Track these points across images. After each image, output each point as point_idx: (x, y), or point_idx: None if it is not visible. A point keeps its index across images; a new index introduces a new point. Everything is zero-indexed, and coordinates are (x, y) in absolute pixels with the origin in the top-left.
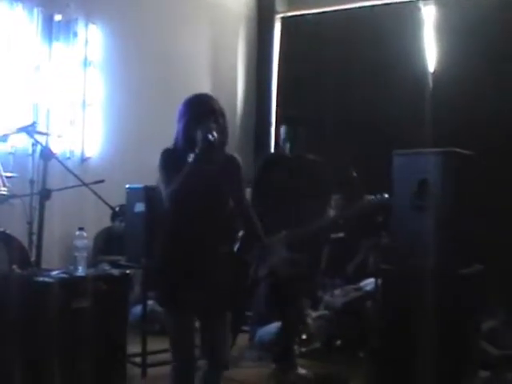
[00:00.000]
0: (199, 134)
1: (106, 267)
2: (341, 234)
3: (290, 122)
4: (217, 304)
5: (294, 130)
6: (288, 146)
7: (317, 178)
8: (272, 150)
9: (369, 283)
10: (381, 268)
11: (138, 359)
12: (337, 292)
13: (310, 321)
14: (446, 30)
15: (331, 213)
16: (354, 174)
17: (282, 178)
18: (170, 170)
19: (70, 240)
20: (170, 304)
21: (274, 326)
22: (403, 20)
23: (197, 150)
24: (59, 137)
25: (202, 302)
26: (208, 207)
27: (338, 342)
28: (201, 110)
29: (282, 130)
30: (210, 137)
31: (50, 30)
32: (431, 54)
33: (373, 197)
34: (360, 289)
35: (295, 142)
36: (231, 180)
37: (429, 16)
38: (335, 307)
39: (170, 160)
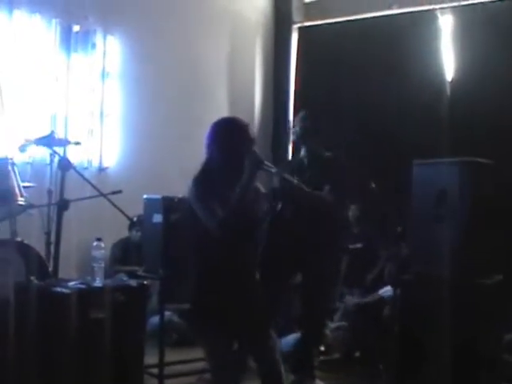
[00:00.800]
0: (249, 162)
1: (124, 278)
2: (359, 245)
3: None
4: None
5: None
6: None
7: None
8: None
9: (386, 291)
10: (399, 278)
11: (155, 370)
12: (351, 298)
13: (328, 332)
14: (463, 38)
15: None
16: (373, 185)
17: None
18: (209, 199)
19: (87, 250)
20: (220, 331)
21: (293, 337)
22: (421, 29)
23: (245, 178)
24: (77, 144)
25: (247, 325)
26: (248, 232)
27: (357, 354)
28: (245, 137)
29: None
30: (264, 166)
31: (69, 40)
32: (449, 62)
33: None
34: (376, 295)
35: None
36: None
37: (446, 24)
38: (348, 309)
39: (207, 189)
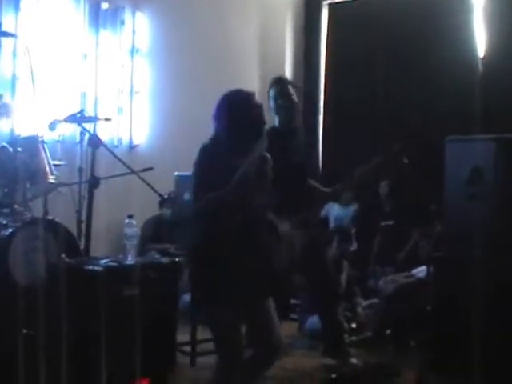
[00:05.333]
0: (256, 155)
1: (156, 255)
2: (390, 222)
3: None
4: (263, 289)
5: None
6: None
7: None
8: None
9: (421, 271)
10: (433, 256)
11: (187, 348)
12: (388, 279)
13: (360, 309)
14: (495, 14)
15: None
16: (405, 161)
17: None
18: (205, 175)
19: (118, 228)
20: (224, 298)
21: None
22: (452, 5)
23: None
24: (107, 120)
25: (252, 289)
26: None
27: (389, 331)
28: (250, 105)
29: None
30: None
31: (97, 18)
32: (481, 39)
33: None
34: (412, 276)
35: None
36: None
37: (478, 0)
38: (387, 293)
39: (209, 160)
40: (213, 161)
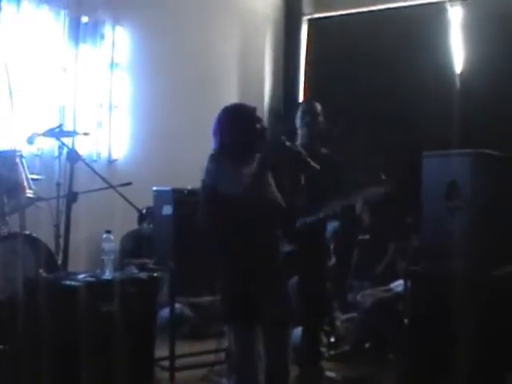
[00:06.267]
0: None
1: (134, 270)
2: (367, 236)
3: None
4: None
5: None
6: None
7: None
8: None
9: (398, 285)
10: (410, 270)
11: (165, 363)
12: (366, 292)
13: (338, 323)
14: (472, 30)
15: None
16: (383, 177)
17: None
18: (213, 188)
19: (96, 243)
20: (250, 319)
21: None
22: (430, 21)
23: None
24: (86, 134)
25: (277, 313)
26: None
27: (367, 345)
28: (259, 126)
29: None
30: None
31: (77, 31)
32: (458, 55)
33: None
34: (390, 290)
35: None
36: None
37: (456, 17)
38: (365, 306)
39: (219, 170)
40: (221, 172)
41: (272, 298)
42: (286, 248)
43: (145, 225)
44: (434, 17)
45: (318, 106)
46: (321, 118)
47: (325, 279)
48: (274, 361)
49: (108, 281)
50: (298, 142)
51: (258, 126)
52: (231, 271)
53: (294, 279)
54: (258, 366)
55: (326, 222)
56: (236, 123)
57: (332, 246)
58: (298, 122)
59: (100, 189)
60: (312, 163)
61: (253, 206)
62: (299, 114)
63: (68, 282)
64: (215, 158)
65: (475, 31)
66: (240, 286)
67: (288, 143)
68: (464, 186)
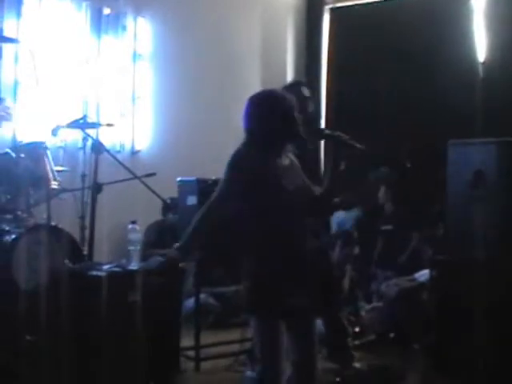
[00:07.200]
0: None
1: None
2: (389, 227)
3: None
4: (316, 307)
5: None
6: None
7: None
8: None
9: (423, 274)
10: (435, 259)
11: (191, 353)
12: (391, 282)
13: (363, 313)
14: (496, 19)
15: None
16: (408, 165)
17: None
18: (233, 183)
19: (121, 233)
20: (274, 309)
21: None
22: (453, 10)
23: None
24: (109, 125)
25: (306, 306)
26: (300, 207)
27: (392, 335)
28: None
29: None
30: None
31: (99, 23)
32: (481, 43)
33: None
34: (414, 280)
35: None
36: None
37: (479, 5)
38: (389, 296)
39: (241, 166)
40: (248, 162)
41: (297, 288)
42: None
43: (169, 215)
44: (457, 5)
45: (306, 90)
46: (311, 105)
47: (331, 268)
48: (300, 352)
49: (134, 271)
50: None
51: (290, 114)
52: (256, 260)
53: None
54: (282, 357)
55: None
56: (261, 109)
57: (356, 235)
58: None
59: (125, 179)
60: (357, 144)
61: (281, 196)
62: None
63: (94, 273)
64: (245, 145)
65: (498, 20)
66: (264, 275)
67: (327, 131)
68: (489, 174)
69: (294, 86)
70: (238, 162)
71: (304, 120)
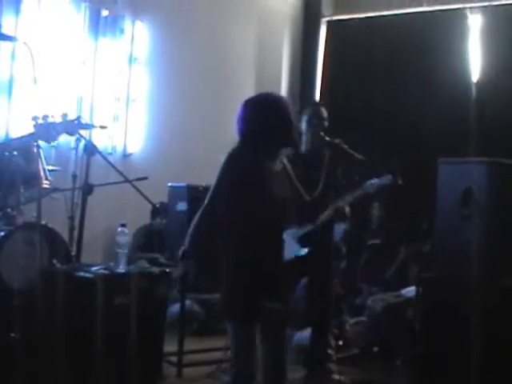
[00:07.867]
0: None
1: (146, 264)
2: (377, 241)
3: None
4: (289, 313)
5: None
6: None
7: None
8: None
9: (410, 290)
10: (422, 276)
11: (174, 358)
12: (377, 297)
13: (347, 327)
14: (491, 38)
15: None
16: (400, 182)
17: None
18: (224, 182)
19: (110, 236)
20: (247, 314)
21: (307, 331)
22: (449, 27)
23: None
24: (102, 128)
25: (280, 311)
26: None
27: (376, 349)
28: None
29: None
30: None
31: (97, 25)
32: (476, 62)
33: (374, 180)
34: (401, 295)
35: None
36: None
37: (475, 24)
38: (375, 311)
39: (233, 167)
40: (240, 164)
41: (272, 295)
42: (301, 251)
43: (157, 220)
44: (453, 23)
45: (325, 111)
46: (326, 123)
47: (331, 279)
48: (271, 359)
49: (122, 274)
50: (303, 146)
51: (285, 117)
52: (233, 265)
53: (303, 281)
54: (254, 362)
55: (333, 222)
56: (256, 111)
57: (344, 250)
58: (304, 126)
59: (116, 182)
60: (356, 154)
61: (264, 200)
62: (306, 118)
63: (82, 274)
64: (228, 157)
65: (493, 39)
66: (240, 281)
67: (328, 138)
68: (479, 193)
69: (314, 106)
70: (230, 161)
71: (321, 137)
